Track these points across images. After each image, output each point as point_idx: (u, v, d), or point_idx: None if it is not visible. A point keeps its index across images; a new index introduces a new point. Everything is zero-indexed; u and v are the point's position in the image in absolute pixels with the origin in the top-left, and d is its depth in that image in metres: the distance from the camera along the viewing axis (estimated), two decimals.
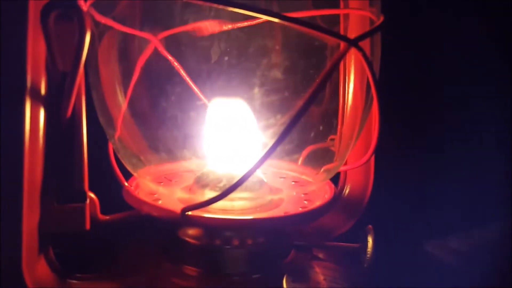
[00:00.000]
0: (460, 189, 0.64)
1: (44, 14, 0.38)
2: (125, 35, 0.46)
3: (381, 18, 0.45)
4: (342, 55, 0.39)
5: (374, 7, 0.47)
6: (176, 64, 0.48)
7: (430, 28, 0.63)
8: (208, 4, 0.42)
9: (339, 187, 0.58)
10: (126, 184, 0.48)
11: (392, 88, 0.58)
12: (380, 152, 0.57)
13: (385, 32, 0.46)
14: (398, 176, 0.64)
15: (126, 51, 0.46)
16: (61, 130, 0.41)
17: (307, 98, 0.40)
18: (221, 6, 0.39)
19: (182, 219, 0.43)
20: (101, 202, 0.46)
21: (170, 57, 0.48)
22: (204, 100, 0.49)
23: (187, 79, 0.48)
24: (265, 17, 0.38)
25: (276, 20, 0.39)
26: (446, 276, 0.60)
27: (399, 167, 0.64)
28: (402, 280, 0.58)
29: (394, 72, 0.57)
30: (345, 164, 0.56)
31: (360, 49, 0.39)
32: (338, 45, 0.44)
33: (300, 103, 0.41)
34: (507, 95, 0.64)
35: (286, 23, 0.39)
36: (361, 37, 0.40)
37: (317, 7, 0.48)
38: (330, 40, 0.41)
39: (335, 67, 0.40)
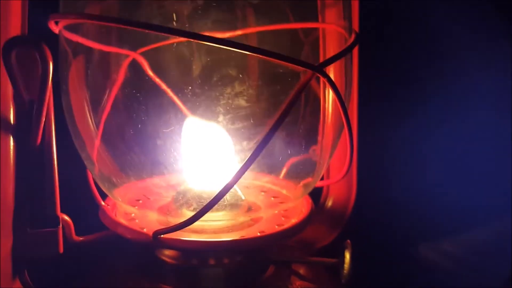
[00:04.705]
0: (454, 191, 0.63)
1: (6, 51, 0.38)
2: (98, 57, 0.46)
3: (353, 36, 0.45)
4: (307, 81, 0.39)
5: (347, 21, 0.47)
6: (157, 79, 0.48)
7: None
8: (164, 34, 0.42)
9: (321, 200, 0.58)
10: (102, 203, 0.48)
11: None
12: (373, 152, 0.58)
13: None
14: (390, 177, 0.64)
15: (98, 74, 0.47)
16: (31, 156, 0.41)
17: (276, 121, 0.40)
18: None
19: (154, 242, 0.43)
20: (84, 220, 0.47)
21: (150, 72, 0.48)
22: (189, 115, 0.48)
23: (170, 93, 0.48)
24: (228, 48, 0.38)
25: (239, 50, 0.38)
26: (439, 279, 0.60)
27: (391, 166, 0.64)
28: (396, 283, 0.58)
29: None
30: (327, 178, 0.57)
31: (324, 75, 0.39)
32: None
33: (270, 124, 0.41)
34: None
35: (249, 53, 0.39)
36: (326, 62, 0.40)
37: (297, 19, 0.48)
38: (296, 67, 0.41)
39: (301, 92, 0.39)
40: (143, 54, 0.47)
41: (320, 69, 0.39)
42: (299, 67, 0.40)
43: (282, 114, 0.40)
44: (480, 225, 0.64)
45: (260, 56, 0.38)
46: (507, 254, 0.59)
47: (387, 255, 0.61)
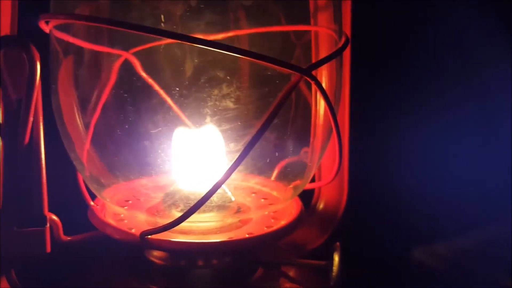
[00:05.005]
0: (448, 193, 0.63)
1: None
2: (89, 57, 0.46)
3: (343, 39, 0.45)
4: (295, 85, 0.39)
5: (337, 24, 0.47)
6: (150, 80, 0.48)
7: None
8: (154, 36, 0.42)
9: (313, 202, 0.58)
10: (91, 203, 0.48)
11: None
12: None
13: None
14: (382, 179, 0.64)
15: (89, 74, 0.47)
16: (19, 156, 0.41)
17: (263, 123, 0.40)
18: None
19: (141, 243, 0.43)
20: (73, 219, 0.47)
21: (143, 73, 0.48)
22: (182, 116, 0.48)
23: (163, 94, 0.48)
24: (215, 50, 0.38)
25: (227, 52, 0.38)
26: (432, 283, 0.60)
27: (383, 168, 0.64)
28: (387, 286, 0.58)
29: None
30: (319, 180, 0.57)
31: (312, 78, 0.39)
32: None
33: (257, 126, 0.41)
34: None
35: (237, 55, 0.39)
36: (314, 65, 0.40)
37: (289, 21, 0.48)
38: (285, 70, 0.41)
39: (289, 94, 0.39)
40: (135, 54, 0.47)
41: (308, 72, 0.39)
42: (288, 69, 0.40)
43: (269, 116, 0.40)
44: (474, 228, 0.64)
45: (248, 58, 0.38)
46: (505, 258, 0.58)
47: (379, 258, 0.61)
